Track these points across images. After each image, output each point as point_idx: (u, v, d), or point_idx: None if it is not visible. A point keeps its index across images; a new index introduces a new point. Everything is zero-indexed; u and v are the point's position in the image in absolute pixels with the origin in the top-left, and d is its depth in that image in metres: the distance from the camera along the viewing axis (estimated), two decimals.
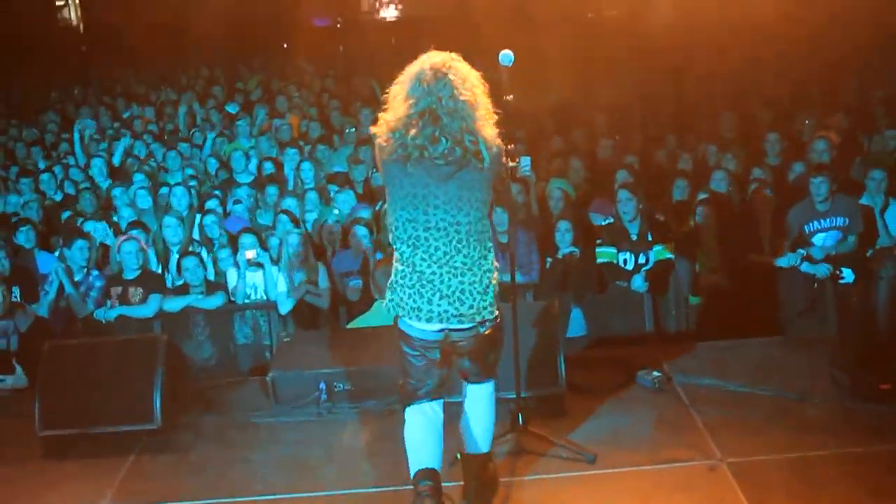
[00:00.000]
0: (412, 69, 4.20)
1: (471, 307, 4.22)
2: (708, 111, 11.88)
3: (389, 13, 28.54)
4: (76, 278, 7.86)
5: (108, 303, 7.73)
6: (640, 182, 8.42)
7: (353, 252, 8.05)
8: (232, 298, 7.83)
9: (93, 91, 16.72)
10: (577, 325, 7.66)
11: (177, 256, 8.23)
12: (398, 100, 4.19)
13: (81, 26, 29.77)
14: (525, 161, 5.39)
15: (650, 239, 7.61)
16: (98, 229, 8.79)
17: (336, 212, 8.88)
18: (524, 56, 4.93)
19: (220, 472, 5.48)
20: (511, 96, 4.59)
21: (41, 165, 11.48)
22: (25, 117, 14.67)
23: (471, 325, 4.27)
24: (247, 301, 7.83)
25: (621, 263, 7.62)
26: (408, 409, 4.44)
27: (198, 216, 9.18)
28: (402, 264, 4.25)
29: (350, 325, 7.31)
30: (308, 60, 17.48)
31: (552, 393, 5.73)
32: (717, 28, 12.70)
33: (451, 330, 4.28)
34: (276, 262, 7.91)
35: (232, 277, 7.94)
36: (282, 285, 7.79)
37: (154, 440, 5.83)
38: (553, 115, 11.92)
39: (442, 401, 4.48)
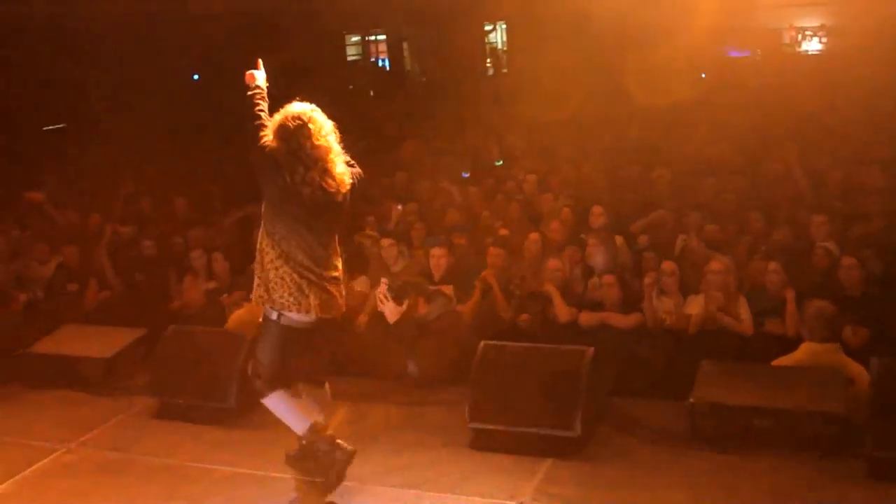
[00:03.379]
0: (276, 118, 4.87)
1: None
2: None
3: (812, 46, 27.43)
4: None
5: None
6: None
7: (768, 292, 7.83)
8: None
9: None
10: None
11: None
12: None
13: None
14: None
15: None
16: None
17: None
18: None
19: (632, 492, 5.55)
20: None
21: None
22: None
23: None
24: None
25: None
26: None
27: None
28: None
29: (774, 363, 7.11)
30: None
31: None
32: None
33: None
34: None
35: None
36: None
37: (571, 447, 5.99)
38: None
39: None
